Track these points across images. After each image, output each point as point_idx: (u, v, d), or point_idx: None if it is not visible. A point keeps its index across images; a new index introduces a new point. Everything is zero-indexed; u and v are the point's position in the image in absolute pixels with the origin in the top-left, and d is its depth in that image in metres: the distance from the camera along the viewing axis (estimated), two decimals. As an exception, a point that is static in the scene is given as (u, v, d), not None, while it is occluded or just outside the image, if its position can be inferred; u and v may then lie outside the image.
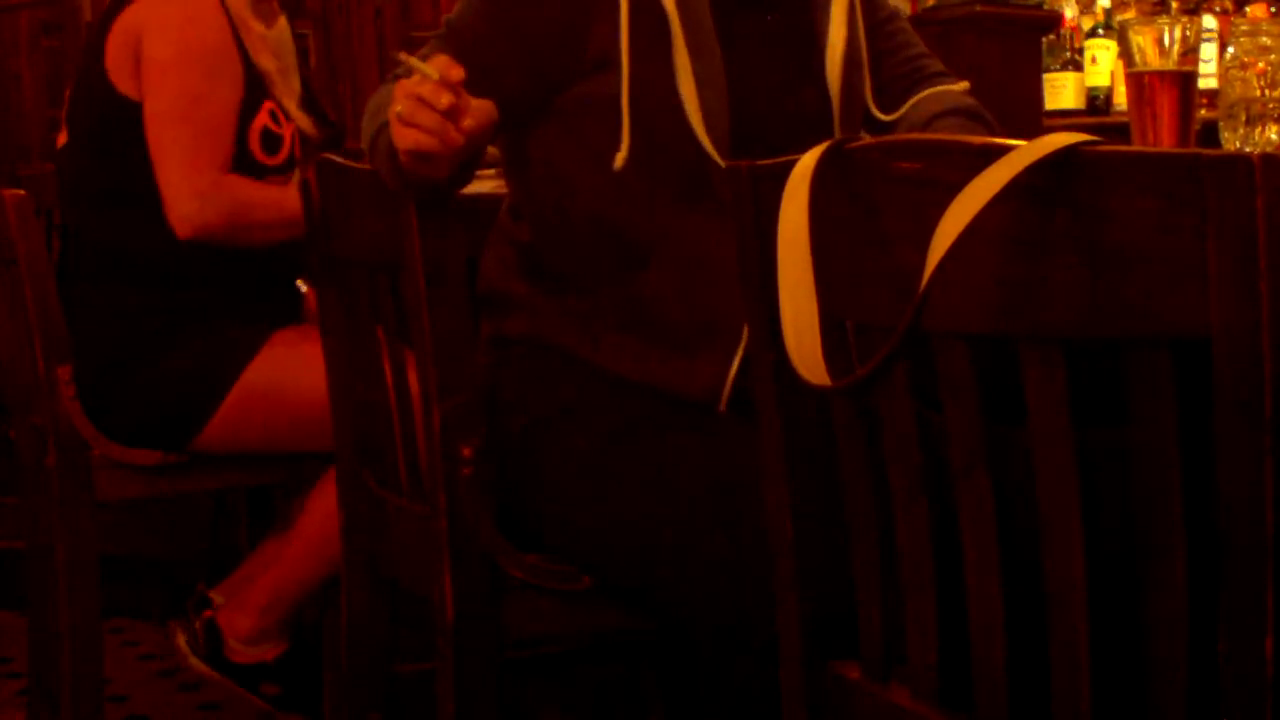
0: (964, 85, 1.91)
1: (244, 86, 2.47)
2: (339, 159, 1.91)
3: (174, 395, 2.43)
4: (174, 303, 2.45)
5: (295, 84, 2.59)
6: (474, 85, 1.68)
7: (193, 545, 3.40)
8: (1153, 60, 1.81)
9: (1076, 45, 4.00)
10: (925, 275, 1.06)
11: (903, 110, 1.89)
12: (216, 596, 2.59)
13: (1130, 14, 3.85)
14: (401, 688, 2.04)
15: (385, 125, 1.62)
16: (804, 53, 1.83)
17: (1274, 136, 1.74)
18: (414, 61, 1.54)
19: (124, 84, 2.44)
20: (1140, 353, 0.99)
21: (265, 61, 2.51)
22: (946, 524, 1.16)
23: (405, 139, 1.53)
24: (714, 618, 1.59)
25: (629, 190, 1.73)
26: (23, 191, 2.51)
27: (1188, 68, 1.81)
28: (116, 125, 2.45)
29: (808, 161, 1.22)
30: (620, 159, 1.72)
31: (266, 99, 2.51)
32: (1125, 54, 1.85)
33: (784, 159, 1.25)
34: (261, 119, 2.48)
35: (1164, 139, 1.81)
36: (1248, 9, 3.96)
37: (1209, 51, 3.42)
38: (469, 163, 1.64)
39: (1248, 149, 1.73)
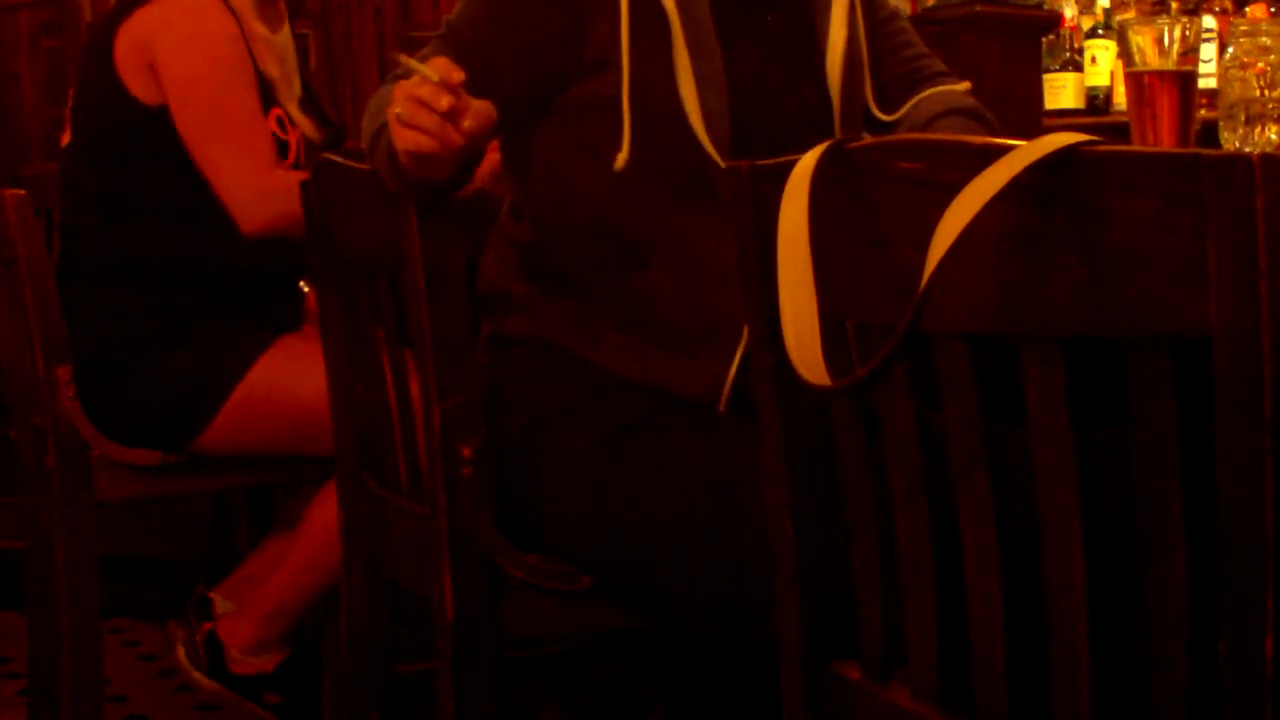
0: (965, 85, 1.91)
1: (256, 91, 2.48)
2: (339, 159, 1.91)
3: (174, 396, 2.43)
4: (174, 303, 2.45)
5: (297, 87, 2.59)
6: (474, 85, 1.68)
7: (193, 545, 3.40)
8: (1152, 60, 1.81)
9: (1076, 45, 4.00)
10: (925, 275, 1.06)
11: (903, 110, 1.89)
12: (216, 597, 2.59)
13: (1130, 14, 3.85)
14: (401, 688, 2.04)
15: (385, 126, 1.62)
16: (804, 53, 1.83)
17: (1274, 136, 1.74)
18: (413, 63, 1.54)
19: (137, 87, 2.44)
20: (1140, 353, 0.99)
21: (271, 69, 2.52)
22: (946, 524, 1.16)
23: (405, 140, 1.53)
24: (714, 618, 1.59)
25: (629, 190, 1.73)
26: (23, 191, 2.51)
27: (1187, 68, 1.81)
28: (126, 126, 2.45)
29: (808, 161, 1.22)
30: (621, 159, 1.72)
31: (274, 106, 2.51)
32: (1125, 54, 1.85)
33: (784, 159, 1.25)
34: (269, 125, 2.49)
35: (1164, 139, 1.81)
36: (1247, 9, 3.96)
37: (1209, 51, 3.42)
38: (469, 163, 1.64)
39: (1247, 149, 1.73)
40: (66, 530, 2.46)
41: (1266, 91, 1.74)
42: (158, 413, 2.44)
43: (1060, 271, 1.01)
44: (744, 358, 1.68)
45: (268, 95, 2.50)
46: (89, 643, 2.49)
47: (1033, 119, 2.99)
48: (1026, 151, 1.01)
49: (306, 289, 2.61)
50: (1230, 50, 1.77)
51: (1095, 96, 3.96)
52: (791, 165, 1.23)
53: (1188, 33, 1.81)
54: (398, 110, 1.52)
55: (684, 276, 1.73)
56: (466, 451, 1.67)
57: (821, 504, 1.31)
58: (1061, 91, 3.91)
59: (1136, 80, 1.83)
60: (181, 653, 2.55)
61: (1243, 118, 1.75)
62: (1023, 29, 2.96)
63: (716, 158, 1.70)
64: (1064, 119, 3.77)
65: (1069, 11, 4.03)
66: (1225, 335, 0.92)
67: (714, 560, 1.60)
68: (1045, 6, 3.51)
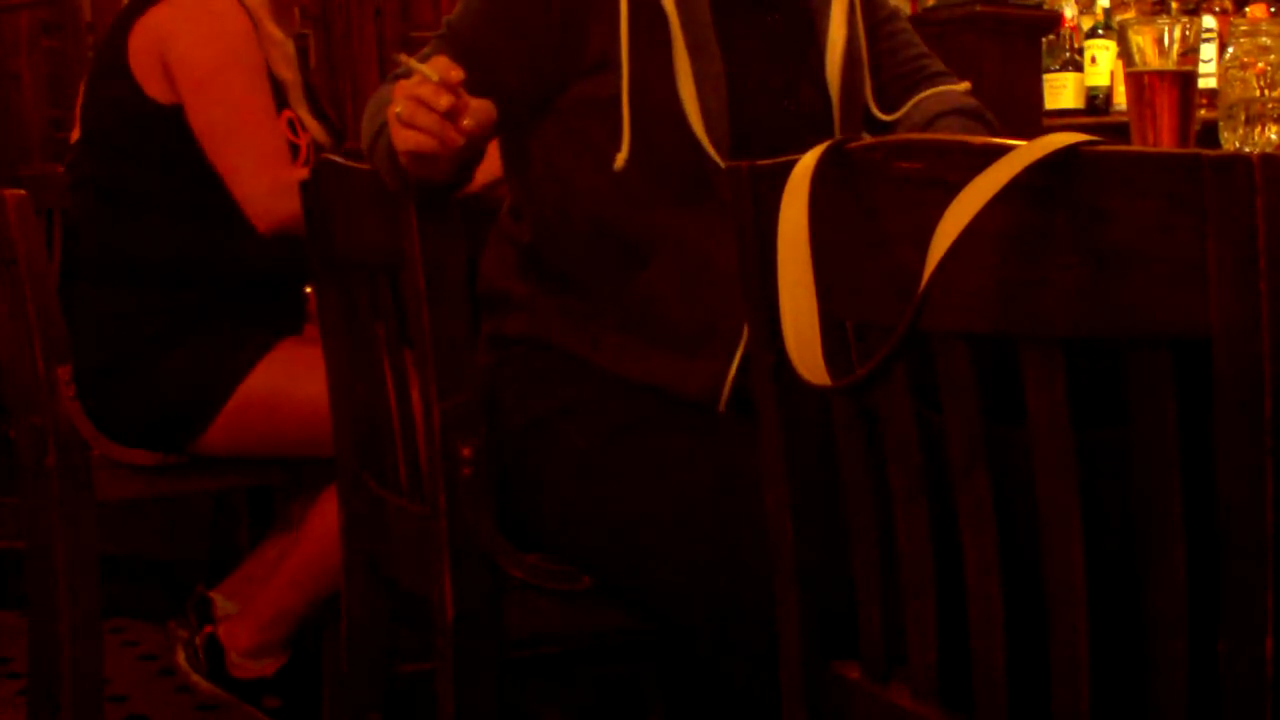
0: (965, 85, 1.91)
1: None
2: (339, 159, 1.91)
3: (175, 398, 2.43)
4: (175, 305, 2.45)
5: (301, 90, 2.59)
6: (474, 86, 1.67)
7: (193, 545, 3.40)
8: (1152, 60, 1.81)
9: (1076, 45, 4.00)
10: (925, 275, 1.06)
11: (904, 110, 1.89)
12: (217, 597, 2.59)
13: (1130, 14, 3.85)
14: (401, 688, 2.04)
15: (385, 125, 1.62)
16: (804, 53, 1.83)
17: (1274, 136, 1.74)
18: (413, 63, 1.54)
19: (151, 87, 2.44)
20: (1140, 353, 0.99)
21: (284, 72, 2.52)
22: (946, 524, 1.16)
23: (405, 140, 1.53)
24: (714, 618, 1.59)
25: (629, 190, 1.73)
26: (23, 191, 2.51)
27: (1187, 68, 1.81)
28: (138, 124, 2.45)
29: (808, 161, 1.22)
30: (620, 159, 1.72)
31: (285, 108, 2.51)
32: (1125, 54, 1.85)
33: (784, 159, 1.25)
34: (282, 126, 2.49)
35: (1164, 139, 1.81)
36: (1247, 9, 3.96)
37: (1209, 51, 3.42)
38: (469, 163, 1.64)
39: (1247, 149, 1.73)
40: (66, 530, 2.46)
41: (1266, 91, 1.74)
42: (158, 414, 2.44)
43: (1060, 271, 1.01)
44: (744, 358, 1.68)
45: (280, 97, 2.50)
46: (89, 643, 2.49)
47: (1033, 119, 2.99)
48: (1026, 151, 1.01)
49: (309, 291, 2.61)
50: (1230, 50, 1.77)
51: (1095, 96, 3.96)
52: (791, 165, 1.23)
53: (1188, 33, 1.81)
54: (397, 110, 1.52)
55: (684, 276, 1.73)
56: (466, 451, 1.67)
57: (821, 504, 1.31)
58: (1061, 91, 3.91)
59: (1136, 80, 1.83)
60: (181, 656, 2.55)
61: (1243, 118, 1.75)
62: (1023, 29, 2.96)
63: (716, 158, 1.70)
64: (1064, 119, 3.77)
65: (1069, 11, 4.03)
66: (1225, 335, 0.92)
67: (714, 560, 1.60)
68: (1045, 6, 3.51)
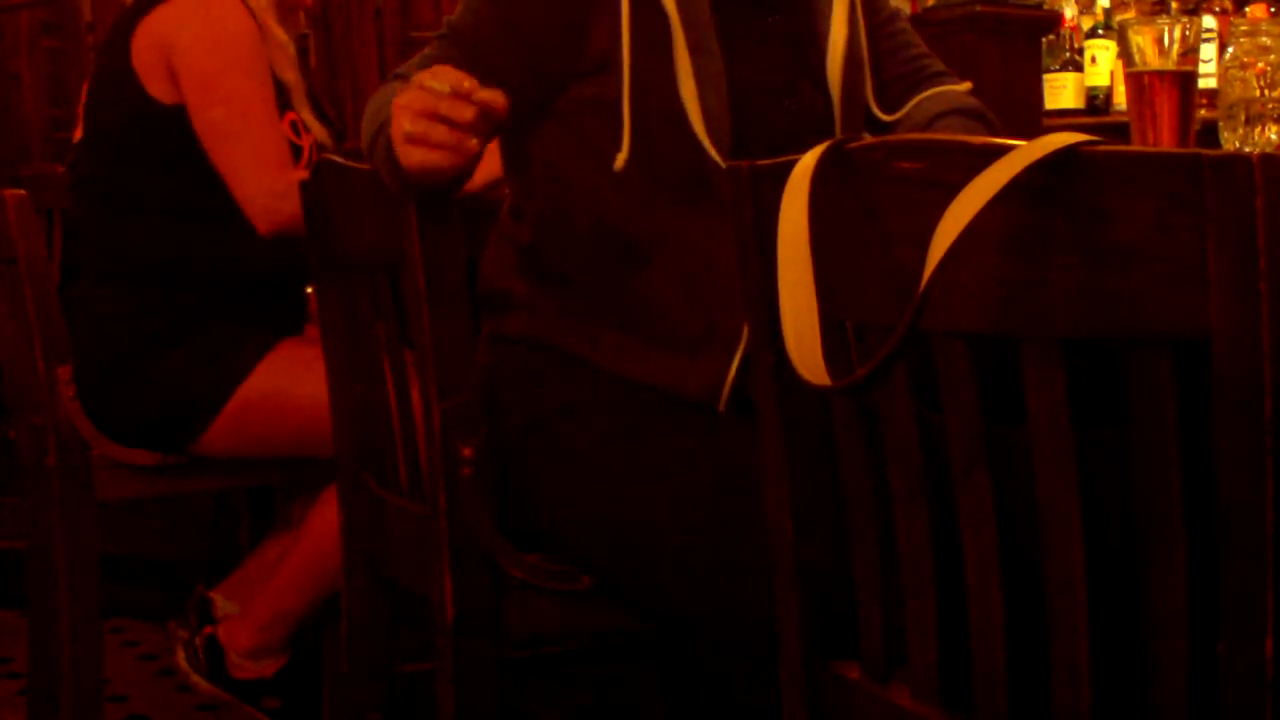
0: (966, 85, 1.92)
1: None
2: (339, 159, 1.91)
3: (174, 398, 2.43)
4: (176, 305, 2.45)
5: (304, 92, 2.59)
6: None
7: (193, 545, 3.40)
8: (1152, 60, 1.81)
9: (1076, 45, 4.00)
10: (925, 275, 1.06)
11: (904, 110, 1.89)
12: (217, 598, 2.59)
13: (1130, 14, 3.85)
14: (401, 688, 2.04)
15: (385, 125, 1.62)
16: (805, 53, 1.83)
17: (1274, 136, 1.74)
18: (427, 80, 1.51)
19: (155, 87, 2.44)
20: (1140, 353, 0.99)
21: (287, 74, 2.52)
22: (946, 524, 1.16)
23: (412, 156, 1.52)
24: (714, 618, 1.59)
25: (629, 190, 1.73)
26: (23, 191, 2.51)
27: (1187, 68, 1.81)
28: (140, 124, 2.45)
29: (808, 161, 1.22)
30: (621, 159, 1.72)
31: (288, 110, 2.51)
32: (1125, 54, 1.85)
33: (784, 159, 1.25)
34: (284, 128, 2.49)
35: (1164, 139, 1.81)
36: (1247, 9, 3.96)
37: (1209, 51, 3.42)
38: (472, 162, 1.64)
39: (1247, 149, 1.73)
40: (66, 530, 2.46)
41: (1266, 91, 1.74)
42: (158, 414, 2.44)
43: (1060, 271, 1.01)
44: (744, 357, 1.68)
45: (283, 99, 2.50)
46: (89, 643, 2.49)
47: (1033, 119, 2.99)
48: (1026, 151, 1.01)
49: (310, 291, 2.61)
50: (1230, 50, 1.77)
51: (1095, 96, 3.96)
52: (791, 165, 1.23)
53: (1188, 33, 1.81)
54: (407, 127, 1.50)
55: (684, 276, 1.73)
56: (466, 451, 1.67)
57: (821, 504, 1.31)
58: (1061, 91, 3.91)
59: (1136, 80, 1.83)
60: (181, 656, 2.55)
61: (1243, 118, 1.75)
62: (1023, 29, 2.96)
63: (717, 158, 1.70)
64: (1064, 119, 3.77)
65: (1069, 11, 4.03)
66: (1225, 335, 0.92)
67: (714, 560, 1.60)
68: (1045, 6, 3.51)
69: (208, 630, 2.54)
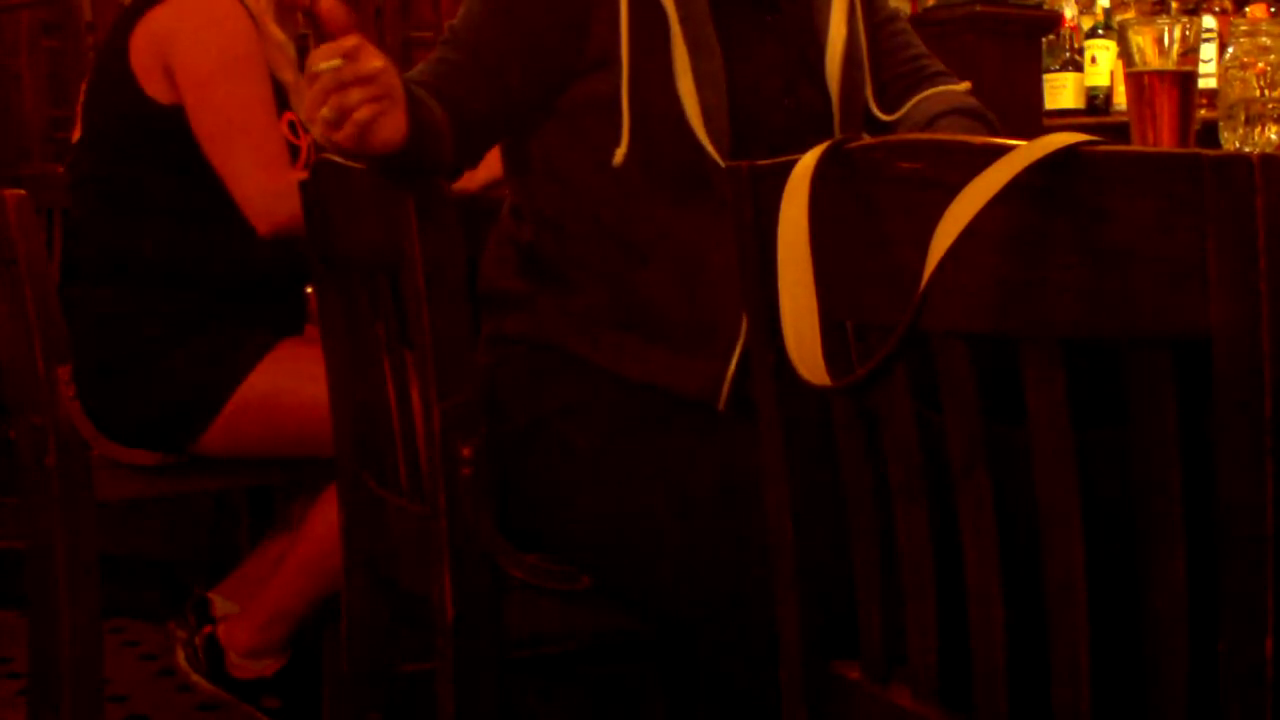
0: (965, 85, 1.92)
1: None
2: (338, 159, 1.91)
3: (174, 398, 2.43)
4: (176, 305, 2.45)
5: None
6: (477, 87, 1.68)
7: (193, 545, 3.40)
8: (1152, 60, 1.81)
9: (1076, 45, 4.00)
10: (925, 275, 1.06)
11: (904, 110, 1.90)
12: (216, 598, 2.59)
13: (1130, 14, 3.85)
14: (401, 688, 2.04)
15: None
16: (804, 52, 1.83)
17: (1274, 136, 1.74)
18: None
19: (152, 87, 2.44)
20: (1140, 353, 0.99)
21: (286, 74, 2.52)
22: (946, 524, 1.16)
23: (349, 133, 1.47)
24: (714, 618, 1.59)
25: (629, 189, 1.74)
26: (23, 191, 2.51)
27: (1187, 68, 1.81)
28: (138, 124, 2.45)
29: (808, 161, 1.22)
30: (620, 155, 1.72)
31: (286, 110, 2.51)
32: (1125, 54, 1.85)
33: (784, 159, 1.24)
34: (282, 128, 2.49)
35: (1164, 139, 1.81)
36: (1247, 9, 3.96)
37: (1209, 51, 3.42)
38: (426, 129, 1.61)
39: (1247, 149, 1.73)
40: (66, 530, 2.46)
41: (1266, 91, 1.74)
42: (158, 414, 2.44)
43: (1060, 271, 1.01)
44: (743, 356, 1.68)
45: (281, 99, 2.50)
46: (89, 643, 2.49)
47: (1033, 119, 3.00)
48: (1026, 151, 1.01)
49: (309, 291, 2.61)
50: (1230, 50, 1.77)
51: (1095, 96, 3.97)
52: (791, 165, 1.23)
53: (1188, 33, 1.81)
54: (325, 115, 1.46)
55: (683, 275, 1.73)
56: (466, 451, 1.67)
57: (821, 504, 1.31)
58: (1061, 91, 3.92)
59: (1136, 80, 1.83)
60: (181, 656, 2.55)
61: (1243, 118, 1.75)
62: (1023, 29, 2.96)
63: (715, 156, 1.70)
64: (1064, 119, 3.78)
65: (1069, 11, 4.03)
66: (1225, 335, 0.92)
67: (714, 560, 1.60)
68: (1045, 6, 3.51)
69: (207, 630, 2.54)
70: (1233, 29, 1.82)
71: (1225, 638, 0.95)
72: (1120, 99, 3.88)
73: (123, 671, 3.16)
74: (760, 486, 1.34)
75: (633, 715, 2.12)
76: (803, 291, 1.22)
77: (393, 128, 1.53)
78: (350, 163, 1.76)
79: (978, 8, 2.84)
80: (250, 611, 2.53)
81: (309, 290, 2.58)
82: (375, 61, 1.46)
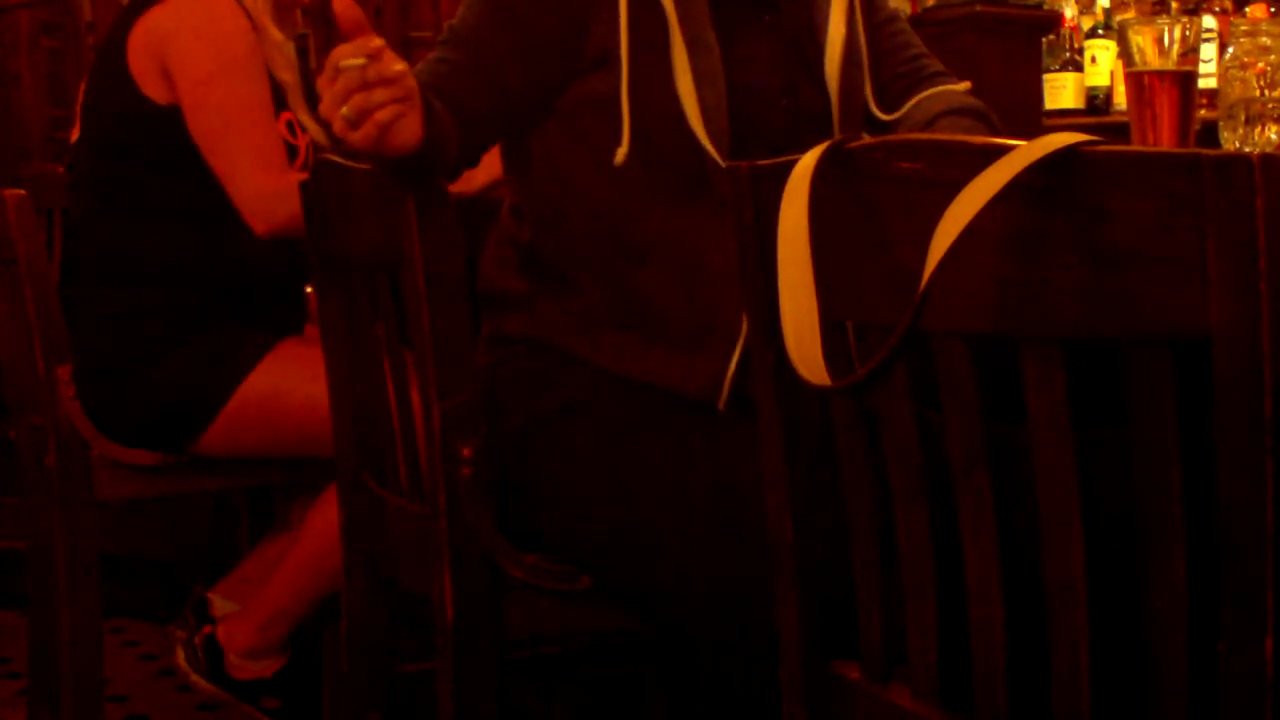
0: (965, 85, 1.92)
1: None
2: (338, 159, 1.91)
3: (174, 398, 2.43)
4: (175, 306, 2.45)
5: (302, 92, 2.59)
6: (477, 88, 1.68)
7: (193, 545, 3.40)
8: (1152, 60, 1.81)
9: (1076, 45, 4.00)
10: (925, 275, 1.06)
11: (904, 110, 1.90)
12: (215, 598, 2.59)
13: (1130, 14, 3.85)
14: (401, 688, 2.04)
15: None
16: (803, 51, 1.83)
17: (1274, 136, 1.74)
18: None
19: (149, 87, 2.44)
20: (1140, 353, 0.99)
21: (283, 74, 2.51)
22: (946, 524, 1.16)
23: (370, 133, 1.47)
24: (714, 617, 1.59)
25: (628, 188, 1.74)
26: (23, 191, 2.51)
27: (1187, 68, 1.81)
28: (136, 125, 2.45)
29: (808, 161, 1.22)
30: (620, 154, 1.72)
31: (283, 110, 2.51)
32: (1125, 54, 1.85)
33: (784, 159, 1.25)
34: (280, 128, 2.49)
35: (1164, 139, 1.81)
36: (1247, 9, 3.96)
37: (1209, 51, 3.42)
38: (439, 134, 1.61)
39: (1247, 149, 1.73)
40: (66, 530, 2.46)
41: (1266, 91, 1.74)
42: (158, 414, 2.44)
43: (1060, 271, 1.01)
44: (743, 356, 1.68)
45: (278, 99, 2.50)
46: (89, 643, 2.49)
47: (1033, 119, 3.00)
48: (1026, 151, 1.01)
49: (309, 291, 2.61)
50: (1230, 50, 1.77)
51: (1095, 96, 3.96)
52: (791, 165, 1.23)
53: (1188, 33, 1.81)
54: (345, 114, 1.46)
55: (683, 275, 1.73)
56: (466, 451, 1.67)
57: (821, 504, 1.31)
58: (1061, 91, 3.92)
59: (1136, 80, 1.83)
60: (181, 656, 2.55)
61: (1243, 118, 1.75)
62: (1023, 29, 2.96)
63: (715, 155, 1.70)
64: (1064, 119, 3.78)
65: (1069, 11, 4.03)
66: (1225, 335, 0.92)
67: (714, 560, 1.60)
68: (1045, 6, 3.51)
69: (206, 630, 2.54)
70: (1233, 29, 1.82)
71: (1225, 638, 0.94)
72: (1120, 99, 3.88)
73: (123, 671, 3.16)
74: (760, 486, 1.34)
75: (633, 715, 2.12)
76: (803, 291, 1.22)
77: (411, 131, 1.53)
78: (354, 163, 1.76)
79: (978, 8, 2.84)
80: (250, 611, 2.53)
81: (309, 290, 2.57)
82: (397, 64, 1.47)
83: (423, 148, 1.56)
